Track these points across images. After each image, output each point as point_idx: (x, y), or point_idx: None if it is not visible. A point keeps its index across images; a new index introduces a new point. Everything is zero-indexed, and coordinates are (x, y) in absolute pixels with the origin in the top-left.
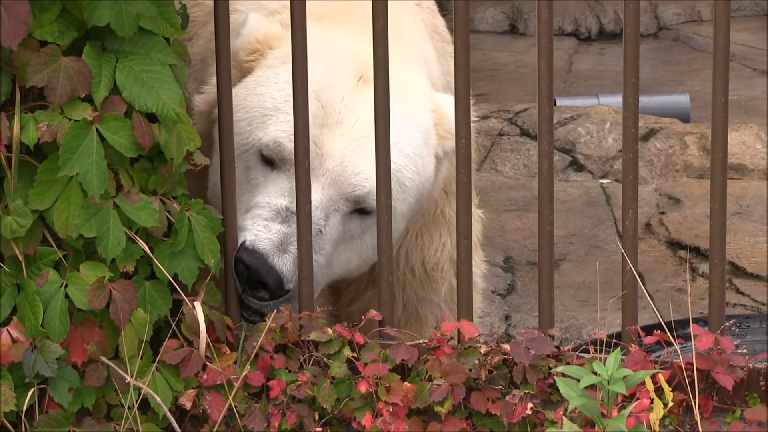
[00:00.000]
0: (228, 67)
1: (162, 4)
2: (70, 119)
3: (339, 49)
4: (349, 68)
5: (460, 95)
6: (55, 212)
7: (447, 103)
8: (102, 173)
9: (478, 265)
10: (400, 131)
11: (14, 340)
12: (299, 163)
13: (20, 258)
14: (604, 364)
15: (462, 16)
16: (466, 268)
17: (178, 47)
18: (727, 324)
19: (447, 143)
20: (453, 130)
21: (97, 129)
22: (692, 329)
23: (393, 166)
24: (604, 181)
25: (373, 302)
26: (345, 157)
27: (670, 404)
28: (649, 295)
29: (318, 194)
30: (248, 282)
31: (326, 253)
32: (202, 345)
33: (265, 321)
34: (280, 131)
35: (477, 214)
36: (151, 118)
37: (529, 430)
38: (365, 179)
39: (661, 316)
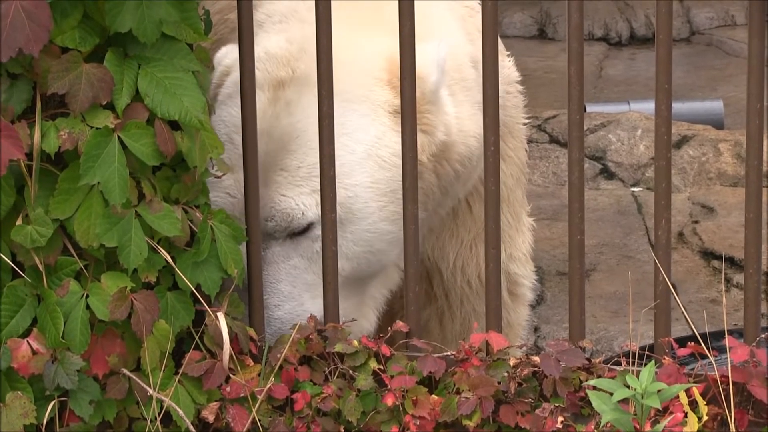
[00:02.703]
0: (252, 70)
1: (185, 10)
2: (92, 127)
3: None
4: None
5: (488, 101)
6: (76, 221)
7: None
8: (124, 182)
9: (529, 278)
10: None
11: (34, 352)
12: (324, 172)
13: (41, 268)
14: (637, 377)
15: (490, 21)
16: (495, 278)
17: (201, 53)
18: (763, 336)
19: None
20: (421, 71)
21: (118, 137)
22: (727, 341)
23: (304, 170)
24: (635, 189)
25: (431, 322)
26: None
27: (705, 418)
28: (683, 307)
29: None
30: None
31: (280, 294)
32: (226, 357)
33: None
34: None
35: (528, 223)
36: (174, 125)
37: None
38: (276, 209)
39: (694, 328)
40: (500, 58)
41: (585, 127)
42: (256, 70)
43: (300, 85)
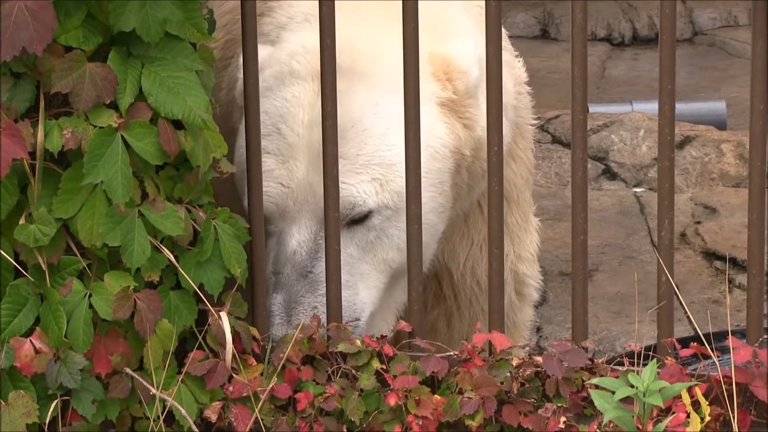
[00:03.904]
0: (255, 71)
1: (189, 9)
2: (95, 126)
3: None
4: (302, 92)
5: (492, 101)
6: (80, 221)
7: (448, 43)
8: (127, 181)
9: (536, 278)
10: (372, 120)
11: (37, 351)
12: (327, 172)
13: (44, 267)
14: (640, 377)
15: (494, 21)
16: (498, 279)
17: (205, 53)
18: (766, 336)
19: (458, 83)
20: (464, 65)
21: (122, 136)
22: (730, 342)
23: (364, 159)
24: (638, 189)
25: (439, 322)
26: (311, 185)
27: (707, 418)
28: (686, 307)
29: (296, 237)
30: None
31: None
32: (228, 356)
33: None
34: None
35: (535, 223)
36: (177, 124)
37: None
38: None
39: (697, 328)
40: (511, 58)
41: (588, 127)
42: (296, 63)
43: (347, 76)
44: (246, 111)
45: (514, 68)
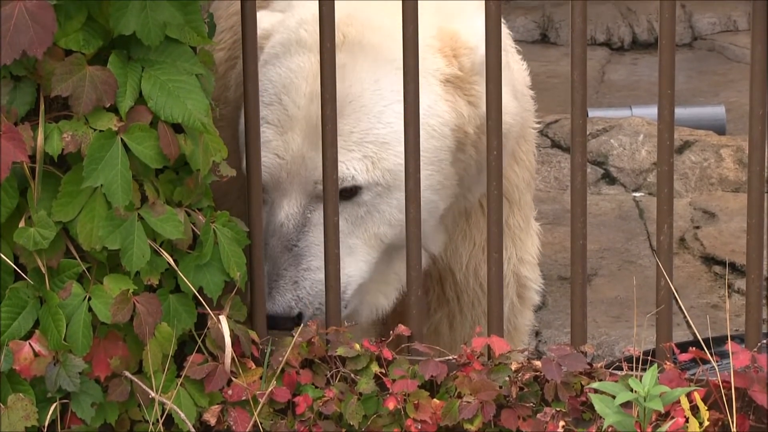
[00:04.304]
0: (255, 73)
1: (189, 13)
2: (95, 129)
3: (299, 40)
4: (307, 63)
5: (491, 104)
6: (79, 224)
7: (456, 21)
8: (127, 184)
9: (537, 281)
10: (372, 95)
11: (36, 354)
12: (327, 174)
13: (43, 270)
14: (640, 381)
15: (494, 23)
16: (497, 282)
17: (205, 56)
18: (765, 341)
19: (464, 59)
20: (472, 42)
21: (122, 139)
22: (729, 346)
23: (357, 136)
24: (637, 194)
25: (442, 325)
26: (304, 159)
27: (706, 423)
28: (685, 312)
29: (284, 209)
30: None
31: (322, 259)
32: (228, 360)
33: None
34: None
35: (536, 227)
36: (177, 128)
37: None
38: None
39: (696, 333)
40: (516, 60)
41: (587, 132)
42: (304, 32)
43: (352, 50)
44: (246, 114)
45: (521, 71)
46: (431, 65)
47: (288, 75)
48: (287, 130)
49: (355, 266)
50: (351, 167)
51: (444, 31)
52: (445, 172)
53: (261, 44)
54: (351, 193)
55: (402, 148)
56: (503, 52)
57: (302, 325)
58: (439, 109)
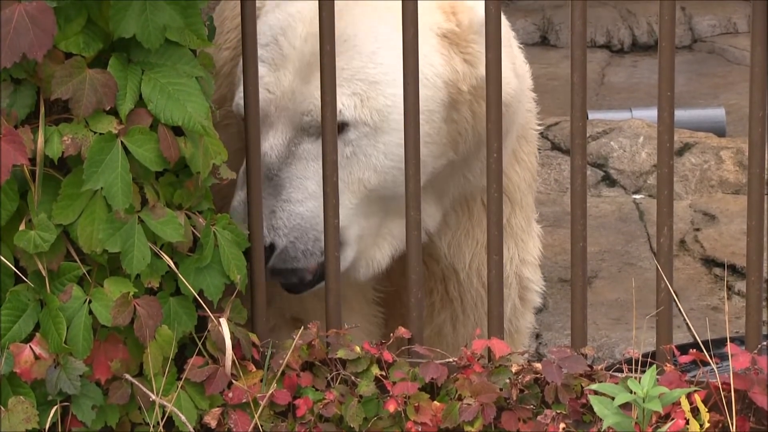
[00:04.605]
0: (255, 74)
1: (189, 16)
2: (95, 132)
3: None
4: (305, 8)
5: (492, 105)
6: (80, 227)
7: None
8: (127, 187)
9: (539, 283)
10: (362, 26)
11: (37, 357)
12: (327, 177)
13: (44, 273)
14: (639, 383)
15: (494, 29)
16: (497, 284)
17: (205, 59)
18: (765, 343)
19: (462, 16)
20: (472, 3)
21: (122, 142)
22: (729, 348)
23: (348, 72)
24: (637, 196)
25: (446, 326)
26: (294, 93)
27: (706, 425)
28: (685, 314)
29: (269, 140)
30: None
31: (305, 192)
32: (228, 362)
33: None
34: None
35: (537, 230)
36: (177, 131)
37: None
38: (314, 105)
39: (696, 335)
40: (518, 52)
41: (587, 134)
42: None
43: (347, 15)
44: (246, 118)
45: (526, 72)
46: (429, 19)
47: (286, 18)
48: (280, 68)
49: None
50: (339, 102)
51: None
52: (435, 126)
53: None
54: (337, 130)
55: (392, 90)
56: (507, 45)
57: (273, 256)
58: (433, 60)
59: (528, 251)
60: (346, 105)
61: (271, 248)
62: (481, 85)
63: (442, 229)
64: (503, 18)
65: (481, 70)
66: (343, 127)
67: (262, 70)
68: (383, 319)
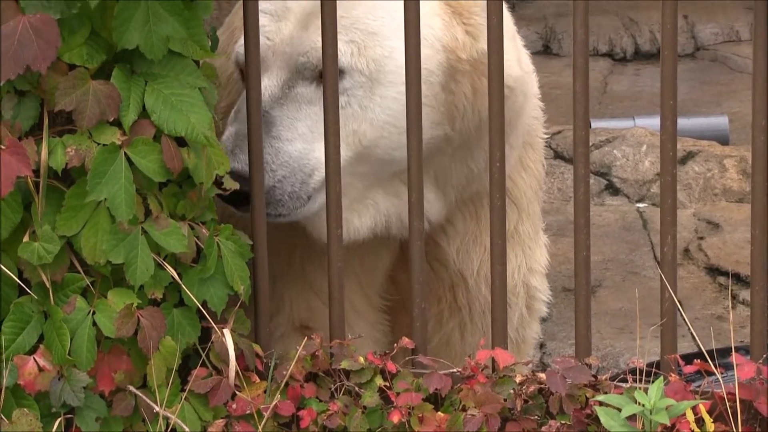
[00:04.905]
0: (257, 82)
1: (192, 27)
2: (99, 143)
3: None
4: None
5: (494, 114)
6: (83, 238)
7: None
8: (130, 198)
9: (545, 292)
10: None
11: (41, 369)
12: (330, 185)
13: (47, 285)
14: (645, 394)
15: (496, 36)
16: (501, 294)
17: (208, 69)
18: None
19: (475, 16)
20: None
21: (125, 153)
22: (734, 358)
23: (348, 20)
24: (640, 205)
25: (453, 334)
26: (292, 38)
27: None
28: (689, 323)
29: (264, 81)
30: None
31: (295, 132)
32: (232, 374)
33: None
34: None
35: (543, 239)
36: (180, 141)
37: None
38: (311, 47)
39: (701, 345)
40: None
41: (590, 143)
42: None
43: None
44: (249, 126)
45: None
46: None
47: None
48: (281, 19)
49: (321, 153)
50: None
51: None
52: (433, 90)
53: None
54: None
55: (391, 43)
56: (511, 38)
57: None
58: (432, 22)
59: (535, 260)
60: (342, 51)
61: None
62: (482, 60)
63: (450, 234)
64: (507, 14)
65: (483, 44)
66: (338, 74)
67: (263, 20)
68: (389, 327)
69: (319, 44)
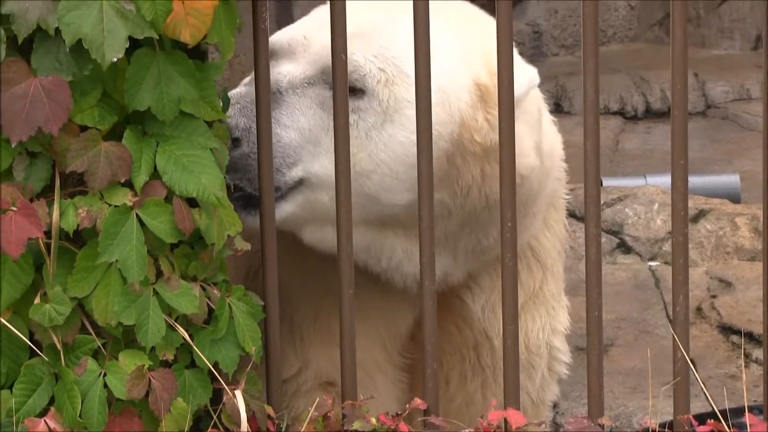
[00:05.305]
0: (267, 85)
1: (203, 88)
2: (110, 204)
3: None
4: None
5: (505, 169)
6: (95, 299)
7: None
8: (142, 259)
9: (566, 354)
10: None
11: (52, 431)
12: (340, 204)
13: (58, 346)
14: None
15: (507, 95)
16: (513, 353)
17: (219, 130)
18: None
19: (491, 79)
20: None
21: (137, 214)
22: (747, 418)
23: (388, 52)
24: (652, 263)
25: (476, 394)
26: (326, 47)
27: None
28: (702, 382)
29: (287, 66)
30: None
31: (296, 123)
32: None
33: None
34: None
35: (564, 301)
36: (192, 202)
37: None
38: (348, 58)
39: (714, 404)
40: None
41: (602, 201)
42: None
43: (408, 12)
44: (259, 165)
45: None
46: (472, 66)
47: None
48: (324, 26)
49: (311, 159)
50: (366, 67)
51: (490, 52)
52: (435, 153)
53: None
54: (352, 87)
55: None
56: (535, 122)
57: (232, 153)
58: (461, 95)
59: (559, 320)
60: (372, 74)
61: (236, 141)
62: (496, 148)
63: (475, 292)
64: (537, 93)
65: (496, 137)
66: (358, 92)
67: (307, 26)
68: (408, 385)
69: (355, 58)
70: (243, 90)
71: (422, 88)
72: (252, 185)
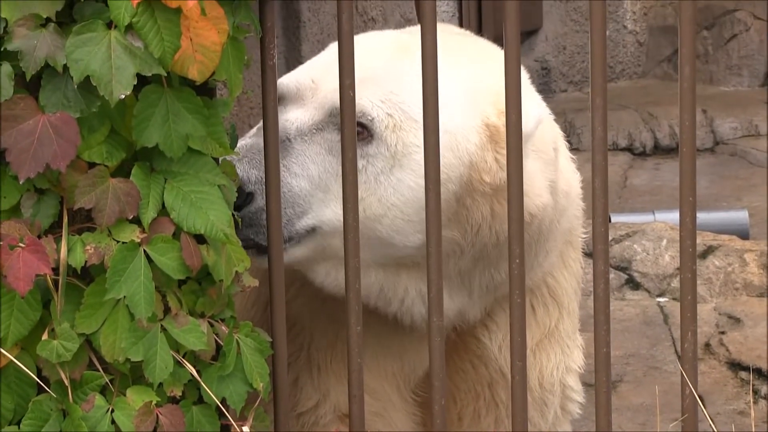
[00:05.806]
0: (274, 95)
1: (211, 125)
2: (118, 241)
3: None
4: (392, 44)
5: (513, 201)
6: (102, 336)
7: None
8: (150, 296)
9: (580, 393)
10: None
11: None
12: (348, 232)
13: (66, 383)
14: None
15: (515, 131)
16: (521, 390)
17: (227, 167)
18: None
19: (500, 119)
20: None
21: (144, 251)
22: None
23: (396, 97)
24: (661, 299)
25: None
26: (336, 91)
27: None
28: (711, 419)
29: (295, 113)
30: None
31: (306, 171)
32: None
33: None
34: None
35: (579, 340)
36: (200, 239)
37: None
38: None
39: None
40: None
41: (610, 237)
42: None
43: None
44: (267, 209)
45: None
46: (480, 107)
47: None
48: (332, 70)
49: (318, 205)
50: (374, 112)
51: (500, 91)
52: (444, 195)
53: None
54: (361, 132)
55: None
56: (550, 161)
57: (247, 208)
58: (470, 136)
59: (573, 359)
60: (379, 120)
61: (249, 197)
62: (505, 187)
63: (491, 329)
64: (554, 130)
65: (503, 176)
66: (366, 137)
67: (315, 69)
68: (421, 419)
69: (363, 102)
70: (250, 141)
71: (430, 132)
72: (260, 236)
